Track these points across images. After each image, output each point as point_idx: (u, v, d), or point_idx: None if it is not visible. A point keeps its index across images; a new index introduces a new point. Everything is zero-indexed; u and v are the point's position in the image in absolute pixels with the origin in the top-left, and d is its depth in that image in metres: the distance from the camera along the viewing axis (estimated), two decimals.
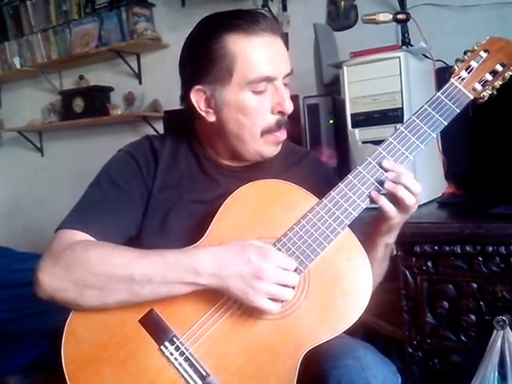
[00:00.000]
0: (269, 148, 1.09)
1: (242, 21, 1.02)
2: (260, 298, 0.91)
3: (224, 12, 1.08)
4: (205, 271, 0.92)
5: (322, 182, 1.08)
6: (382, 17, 1.70)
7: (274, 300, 0.92)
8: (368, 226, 1.05)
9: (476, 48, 1.05)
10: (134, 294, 0.94)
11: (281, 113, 1.06)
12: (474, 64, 1.04)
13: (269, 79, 1.03)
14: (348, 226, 0.99)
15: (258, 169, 1.12)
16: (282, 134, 1.09)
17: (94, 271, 0.94)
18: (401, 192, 0.96)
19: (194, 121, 1.12)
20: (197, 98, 1.06)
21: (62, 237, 1.01)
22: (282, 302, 0.93)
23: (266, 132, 1.06)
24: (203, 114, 1.07)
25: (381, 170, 0.99)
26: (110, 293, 0.94)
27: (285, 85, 1.07)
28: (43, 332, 1.97)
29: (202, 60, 1.04)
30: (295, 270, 0.95)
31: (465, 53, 1.06)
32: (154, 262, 0.94)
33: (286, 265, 0.93)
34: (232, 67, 1.01)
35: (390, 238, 1.06)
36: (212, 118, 1.07)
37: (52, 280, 0.95)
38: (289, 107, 1.05)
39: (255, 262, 0.92)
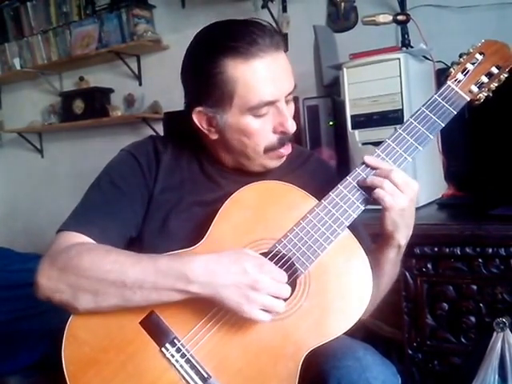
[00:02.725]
0: (272, 162, 1.09)
1: (240, 43, 0.98)
2: (253, 309, 0.91)
3: (222, 29, 1.04)
4: (197, 279, 0.91)
5: (325, 184, 1.07)
6: (381, 18, 1.71)
7: (266, 311, 0.92)
8: (379, 226, 1.03)
9: (471, 51, 1.06)
10: (126, 299, 0.94)
11: (283, 132, 1.05)
12: (469, 66, 1.04)
13: (270, 103, 1.01)
14: (352, 227, 0.99)
15: (260, 172, 1.11)
16: (286, 150, 1.08)
17: (86, 276, 0.94)
18: (376, 181, 0.97)
19: (198, 131, 1.11)
20: (199, 118, 1.06)
21: (61, 239, 1.01)
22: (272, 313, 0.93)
23: (269, 150, 1.06)
24: (206, 131, 1.07)
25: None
26: (103, 297, 0.94)
27: (288, 101, 1.05)
28: (43, 333, 1.98)
29: (201, 83, 1.03)
30: (293, 276, 0.96)
31: (460, 56, 1.06)
32: (146, 268, 0.93)
33: (280, 277, 0.93)
34: (233, 93, 1.00)
35: (402, 238, 1.02)
36: (214, 136, 1.07)
37: (49, 282, 0.96)
38: (291, 128, 1.04)
39: (252, 273, 0.91)
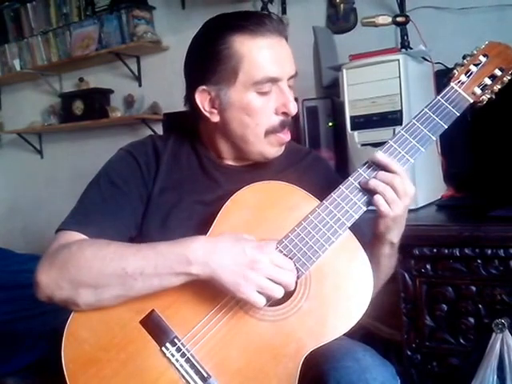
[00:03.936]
0: (272, 149, 1.10)
1: (249, 22, 1.03)
2: (250, 290, 0.91)
3: (230, 13, 1.09)
4: (196, 260, 0.92)
5: (320, 181, 1.08)
6: (381, 19, 1.71)
7: (263, 294, 0.92)
8: (372, 226, 1.05)
9: (475, 52, 1.06)
10: (128, 288, 0.94)
11: (285, 114, 1.06)
12: (473, 68, 1.05)
13: (274, 80, 1.04)
14: (354, 227, 0.99)
15: (258, 168, 1.12)
16: (286, 135, 1.09)
17: (88, 267, 0.95)
18: (376, 185, 0.97)
19: (197, 121, 1.13)
20: (201, 99, 1.07)
21: (61, 238, 1.02)
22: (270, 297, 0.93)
23: (270, 132, 1.07)
24: (207, 114, 1.08)
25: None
26: (104, 288, 0.94)
27: (289, 87, 1.07)
28: (42, 333, 1.97)
29: (207, 60, 1.05)
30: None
31: (464, 57, 1.07)
32: (147, 254, 0.95)
33: (281, 262, 0.93)
34: (238, 67, 1.02)
35: (394, 237, 1.05)
36: (216, 119, 1.08)
37: (49, 280, 0.96)
38: (293, 108, 1.06)
39: (250, 253, 0.92)
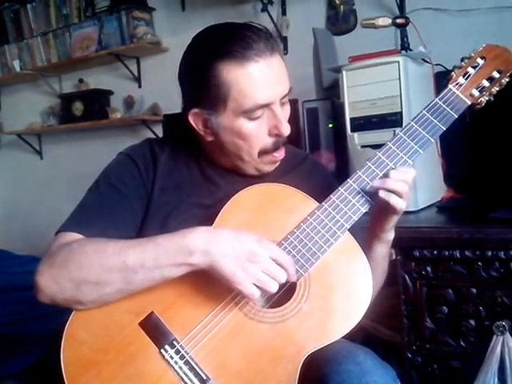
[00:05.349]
0: (266, 166, 1.11)
1: (235, 46, 0.99)
2: (247, 282, 0.91)
3: (218, 33, 1.04)
4: (197, 249, 0.92)
5: (319, 186, 1.08)
6: (381, 21, 1.71)
7: (258, 288, 0.92)
8: (372, 226, 1.05)
9: (473, 55, 1.06)
10: (128, 282, 0.94)
11: (278, 135, 1.06)
12: (471, 70, 1.05)
13: (264, 106, 1.02)
14: (349, 230, 0.99)
15: (256, 175, 1.12)
16: (280, 154, 1.09)
17: (88, 263, 0.94)
18: (397, 186, 0.97)
19: (195, 132, 1.12)
20: (194, 120, 1.07)
21: (60, 238, 1.02)
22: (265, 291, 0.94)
23: (264, 153, 1.07)
24: (202, 133, 1.08)
25: (380, 175, 0.99)
26: (105, 283, 0.94)
27: (283, 104, 1.06)
28: (42, 336, 1.97)
29: (197, 86, 1.04)
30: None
31: (462, 59, 1.07)
32: (147, 247, 0.95)
33: (281, 258, 0.93)
34: (227, 96, 1.00)
35: (392, 234, 1.08)
36: (210, 138, 1.08)
37: (50, 281, 0.95)
38: (286, 130, 1.05)
39: (250, 246, 0.92)
